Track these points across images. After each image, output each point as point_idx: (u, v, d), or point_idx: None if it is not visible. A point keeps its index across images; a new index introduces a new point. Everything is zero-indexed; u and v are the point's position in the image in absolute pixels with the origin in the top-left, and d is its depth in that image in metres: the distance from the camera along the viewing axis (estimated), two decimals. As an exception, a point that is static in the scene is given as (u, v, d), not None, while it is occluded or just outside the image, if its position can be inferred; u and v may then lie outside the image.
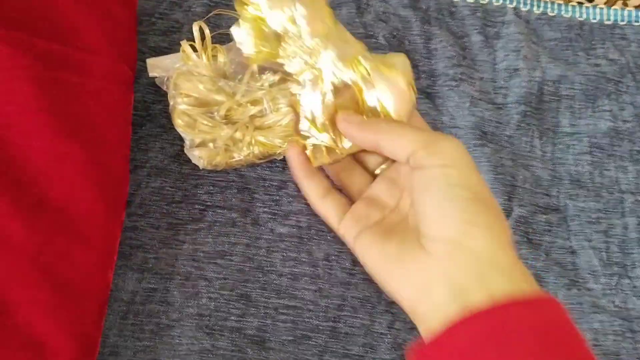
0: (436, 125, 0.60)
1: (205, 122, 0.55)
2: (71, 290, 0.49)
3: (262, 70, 0.57)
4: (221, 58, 0.56)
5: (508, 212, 0.56)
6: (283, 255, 0.54)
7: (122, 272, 0.53)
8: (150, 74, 0.57)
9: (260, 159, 0.56)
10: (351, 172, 0.43)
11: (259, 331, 0.51)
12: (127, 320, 0.51)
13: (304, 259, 0.54)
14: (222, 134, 0.55)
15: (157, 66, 0.57)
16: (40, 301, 0.48)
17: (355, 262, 0.54)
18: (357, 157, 0.43)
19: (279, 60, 0.38)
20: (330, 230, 0.55)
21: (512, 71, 0.62)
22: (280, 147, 0.55)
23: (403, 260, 0.33)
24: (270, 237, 0.55)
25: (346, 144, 0.39)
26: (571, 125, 0.61)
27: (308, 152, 0.40)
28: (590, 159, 0.60)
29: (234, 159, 0.55)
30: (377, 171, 0.42)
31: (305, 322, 0.52)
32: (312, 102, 0.37)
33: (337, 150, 0.39)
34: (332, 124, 0.38)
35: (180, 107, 0.55)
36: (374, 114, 0.37)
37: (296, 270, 0.54)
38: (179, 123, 0.55)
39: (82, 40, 0.56)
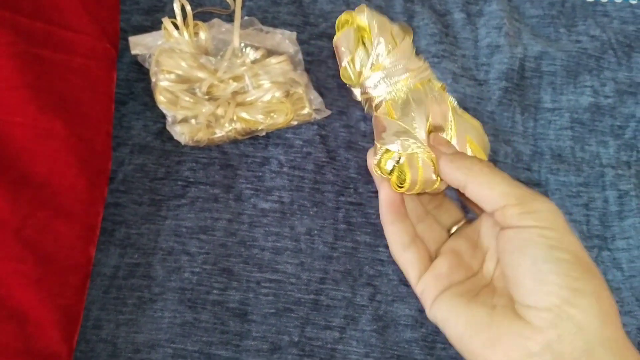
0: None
1: (187, 99, 0.55)
2: (53, 263, 0.49)
3: (244, 46, 0.57)
4: (203, 35, 0.56)
5: (489, 187, 0.57)
6: (265, 230, 0.54)
7: (104, 247, 0.53)
8: (133, 52, 0.57)
9: (243, 135, 0.57)
10: (428, 224, 0.39)
11: (241, 304, 0.52)
12: (109, 295, 0.52)
13: (286, 234, 0.54)
14: (204, 110, 0.55)
15: (139, 44, 0.58)
16: (22, 274, 0.48)
17: (337, 236, 0.54)
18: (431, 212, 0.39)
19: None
20: (313, 205, 0.55)
21: (493, 48, 0.62)
22: (262, 123, 0.56)
23: (496, 328, 0.30)
24: (252, 212, 0.55)
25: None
26: (552, 101, 0.61)
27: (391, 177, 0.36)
28: (572, 134, 0.60)
29: (216, 135, 0.56)
30: (453, 230, 0.39)
31: (287, 295, 0.52)
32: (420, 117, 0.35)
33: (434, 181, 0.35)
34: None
35: (162, 84, 0.55)
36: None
37: (278, 244, 0.54)
38: (161, 100, 0.55)
39: (65, 18, 0.57)
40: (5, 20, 0.54)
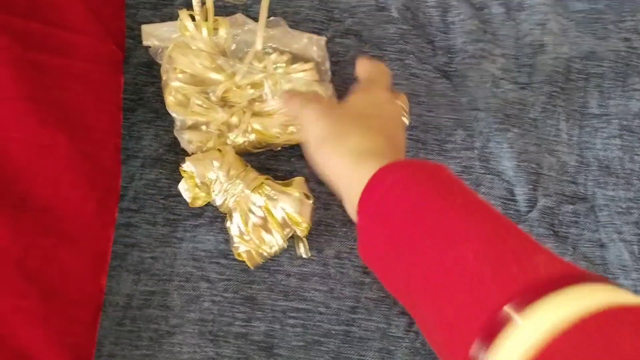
0: (454, 108, 0.55)
1: (200, 103, 0.50)
2: (61, 297, 0.44)
3: (267, 49, 0.51)
4: (223, 32, 0.50)
5: (533, 203, 0.52)
6: (290, 254, 0.50)
7: (116, 273, 0.48)
8: (144, 43, 0.51)
9: (256, 148, 0.51)
10: None
11: (266, 337, 0.47)
12: (123, 327, 0.47)
13: (313, 257, 0.50)
14: (217, 117, 0.50)
15: (153, 34, 0.52)
16: (26, 310, 0.43)
17: (368, 259, 0.50)
18: None
19: (211, 201, 0.49)
20: (342, 225, 0.51)
21: (537, 47, 0.57)
22: (278, 137, 0.50)
23: None
24: (276, 232, 0.50)
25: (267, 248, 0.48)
26: (599, 106, 0.56)
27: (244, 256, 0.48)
28: (620, 143, 0.55)
29: (228, 146, 0.50)
30: None
31: (316, 326, 0.48)
32: (237, 223, 0.47)
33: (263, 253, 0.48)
34: (255, 235, 0.47)
35: (174, 84, 0.50)
36: (283, 225, 0.48)
37: (305, 269, 0.49)
38: (171, 101, 0.50)
39: (64, 17, 0.51)
40: (-3, 21, 0.48)
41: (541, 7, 0.57)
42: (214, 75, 0.51)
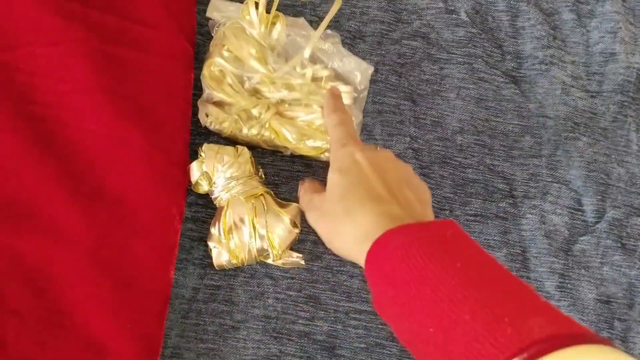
0: (522, 114, 0.54)
1: (231, 84, 0.50)
2: (132, 287, 0.45)
3: (314, 59, 0.52)
4: (278, 28, 0.51)
5: (601, 214, 0.51)
6: (354, 254, 0.50)
7: (183, 266, 0.49)
8: (207, 14, 0.52)
9: (268, 145, 0.51)
10: None
11: (329, 337, 0.48)
12: (189, 320, 0.48)
13: (376, 259, 0.50)
14: (242, 103, 0.50)
15: (218, 9, 0.53)
16: (99, 300, 0.44)
17: (432, 263, 0.50)
18: None
19: (209, 192, 0.49)
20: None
21: (608, 55, 0.56)
22: (291, 143, 0.50)
23: None
24: (340, 233, 0.50)
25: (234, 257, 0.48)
26: (671, 117, 0.55)
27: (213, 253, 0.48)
28: (692, 156, 0.54)
29: (241, 133, 0.50)
30: None
31: (378, 329, 0.48)
32: (220, 224, 0.48)
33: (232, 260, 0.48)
34: (230, 241, 0.47)
35: (216, 59, 0.50)
36: (260, 239, 0.47)
37: (369, 270, 0.49)
38: (207, 73, 0.50)
39: (139, 11, 0.51)
40: (76, 13, 0.49)
41: (612, 15, 0.56)
42: (255, 65, 0.51)
